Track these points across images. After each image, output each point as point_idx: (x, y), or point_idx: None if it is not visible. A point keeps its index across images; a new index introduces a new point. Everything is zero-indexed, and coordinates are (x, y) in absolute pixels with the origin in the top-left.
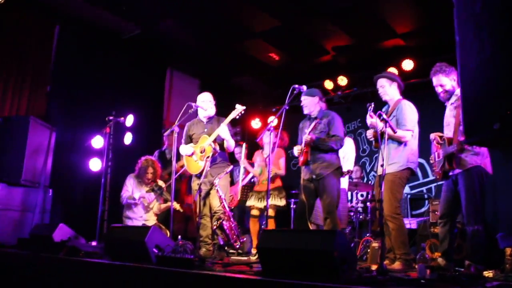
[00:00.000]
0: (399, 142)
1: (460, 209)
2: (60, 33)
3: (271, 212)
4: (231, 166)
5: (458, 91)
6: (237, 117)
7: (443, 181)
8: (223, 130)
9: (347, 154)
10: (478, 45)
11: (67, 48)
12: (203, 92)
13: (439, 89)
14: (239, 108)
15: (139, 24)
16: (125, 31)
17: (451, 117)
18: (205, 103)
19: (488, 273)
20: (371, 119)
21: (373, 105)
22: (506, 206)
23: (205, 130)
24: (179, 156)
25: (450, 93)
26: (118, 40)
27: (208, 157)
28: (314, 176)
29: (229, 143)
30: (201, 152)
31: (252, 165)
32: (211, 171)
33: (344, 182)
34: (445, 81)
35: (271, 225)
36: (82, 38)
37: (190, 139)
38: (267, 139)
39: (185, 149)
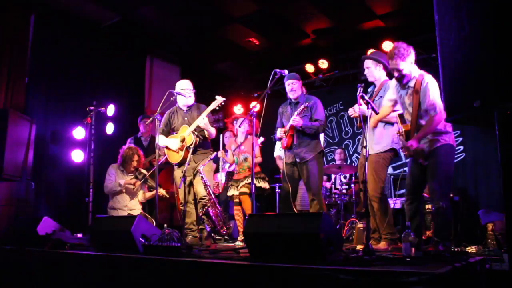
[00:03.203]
0: (387, 122)
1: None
2: (36, 22)
3: (246, 190)
4: (215, 153)
5: (416, 73)
6: (217, 108)
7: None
8: (202, 121)
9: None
10: (457, 23)
11: (44, 37)
12: (182, 80)
13: (395, 73)
14: (219, 99)
15: (118, 12)
16: (104, 18)
17: (409, 100)
18: (185, 91)
19: (471, 249)
20: (360, 106)
21: (361, 91)
22: (487, 183)
23: (185, 119)
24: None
25: (407, 78)
26: (97, 28)
27: (189, 146)
28: (298, 160)
29: (210, 131)
30: (182, 142)
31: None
32: (194, 158)
33: None
34: (403, 65)
35: (247, 201)
36: (59, 26)
37: (170, 128)
38: (242, 127)
39: (165, 142)
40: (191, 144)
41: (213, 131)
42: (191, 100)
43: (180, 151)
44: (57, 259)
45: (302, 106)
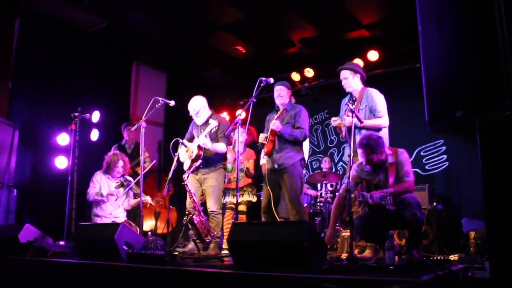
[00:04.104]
0: (377, 130)
1: None
2: (21, 27)
3: (243, 208)
4: (200, 161)
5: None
6: (212, 131)
7: None
8: (201, 141)
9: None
10: (440, 34)
11: (29, 42)
12: (193, 98)
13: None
14: (213, 124)
15: (104, 18)
16: (90, 24)
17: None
18: (195, 111)
19: (453, 257)
20: (348, 118)
21: (349, 105)
22: (470, 191)
23: (201, 131)
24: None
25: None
26: (83, 34)
27: (193, 158)
28: (276, 166)
29: (215, 149)
30: (190, 152)
31: None
32: (201, 171)
33: None
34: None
35: (243, 220)
36: (45, 31)
37: (191, 138)
38: (241, 137)
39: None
40: (193, 156)
41: (216, 147)
42: (199, 120)
43: (187, 159)
44: (39, 267)
45: (282, 108)
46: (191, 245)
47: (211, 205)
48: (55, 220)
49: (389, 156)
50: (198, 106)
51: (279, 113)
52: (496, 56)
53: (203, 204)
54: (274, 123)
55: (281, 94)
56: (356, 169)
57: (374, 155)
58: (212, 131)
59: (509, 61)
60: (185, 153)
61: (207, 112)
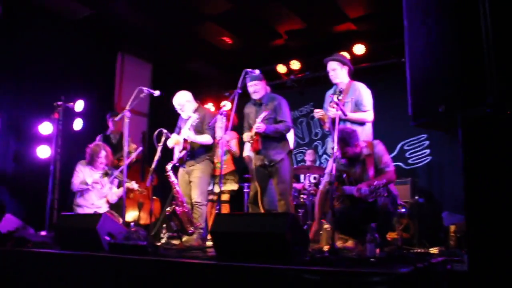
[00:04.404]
0: (360, 123)
1: None
2: (4, 14)
3: (226, 197)
4: (184, 152)
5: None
6: (194, 123)
7: None
8: (186, 135)
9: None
10: (425, 30)
11: (12, 29)
12: (178, 93)
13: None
14: (194, 116)
15: (89, 6)
16: (76, 12)
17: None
18: (180, 106)
19: (433, 250)
20: (332, 110)
21: (334, 97)
22: (452, 186)
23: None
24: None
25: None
26: (68, 22)
27: (180, 150)
28: (267, 163)
29: (197, 141)
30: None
31: None
32: (189, 162)
33: None
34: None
35: (226, 210)
36: (28, 18)
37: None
38: (219, 123)
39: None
40: (180, 148)
41: (201, 139)
42: (184, 114)
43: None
44: (20, 258)
45: (264, 114)
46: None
47: (196, 196)
48: (37, 210)
49: (363, 149)
50: (183, 100)
51: (261, 117)
52: (479, 53)
53: None
54: (258, 127)
55: (256, 90)
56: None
57: (348, 148)
58: (194, 123)
59: (491, 58)
60: (174, 142)
61: (193, 105)
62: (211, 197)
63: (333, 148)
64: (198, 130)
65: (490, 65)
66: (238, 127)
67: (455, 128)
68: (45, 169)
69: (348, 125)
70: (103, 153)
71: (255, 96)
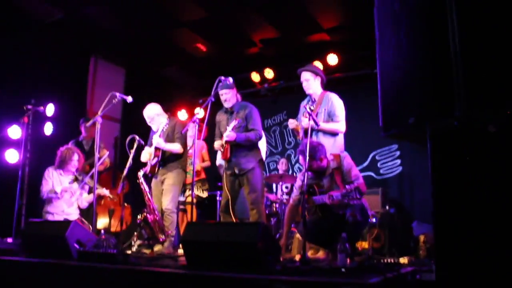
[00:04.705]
0: (333, 134)
1: None
2: None
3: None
4: (155, 159)
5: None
6: (164, 129)
7: None
8: (156, 142)
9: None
10: (396, 41)
11: None
12: (147, 106)
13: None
14: (164, 122)
15: (62, 9)
16: (48, 15)
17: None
18: (150, 119)
19: (403, 260)
20: (305, 119)
21: (307, 108)
22: (422, 196)
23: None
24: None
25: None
26: (40, 24)
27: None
28: (237, 171)
29: (167, 149)
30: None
31: None
32: (161, 171)
33: None
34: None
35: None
36: None
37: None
38: (191, 131)
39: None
40: (151, 158)
41: (171, 147)
42: (154, 127)
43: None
44: None
45: (235, 122)
46: (157, 247)
47: (166, 203)
48: (4, 216)
49: (331, 162)
50: (152, 113)
51: (232, 125)
52: (448, 65)
53: None
54: (228, 136)
55: (226, 99)
56: (301, 178)
57: (313, 161)
58: (165, 129)
59: (459, 71)
60: (147, 157)
61: (162, 118)
62: (182, 206)
63: (305, 158)
64: (169, 138)
65: (458, 78)
66: (208, 137)
67: (425, 139)
68: (13, 174)
69: (321, 135)
70: (75, 157)
71: (226, 105)
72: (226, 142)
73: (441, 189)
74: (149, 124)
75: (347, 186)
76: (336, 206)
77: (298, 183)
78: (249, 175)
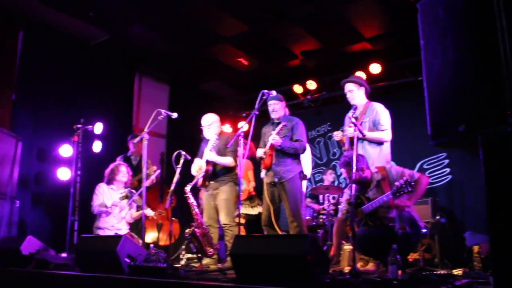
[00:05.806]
0: (379, 143)
1: None
2: (25, 38)
3: (241, 220)
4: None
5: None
6: (215, 144)
7: None
8: (208, 157)
9: (305, 159)
10: (442, 49)
11: (32, 54)
12: (207, 114)
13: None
14: (213, 138)
15: (107, 30)
16: (93, 36)
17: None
18: (209, 123)
19: (457, 271)
20: (350, 129)
21: (351, 118)
22: (473, 205)
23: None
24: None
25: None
26: (86, 46)
27: (201, 174)
28: (276, 180)
29: (220, 162)
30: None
31: None
32: (213, 185)
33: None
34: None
35: (241, 231)
36: (48, 43)
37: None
38: (240, 147)
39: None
40: (202, 172)
41: (223, 161)
42: (208, 135)
43: (196, 174)
44: (41, 279)
45: (281, 125)
46: (206, 260)
47: (223, 218)
48: (58, 232)
49: (374, 174)
50: (211, 120)
51: (278, 128)
52: (498, 71)
53: None
54: (274, 138)
55: (275, 109)
56: (348, 192)
57: (353, 172)
58: (215, 144)
59: (511, 76)
60: (197, 169)
61: (218, 127)
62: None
63: (352, 168)
64: (220, 152)
65: (510, 83)
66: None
67: (476, 147)
68: (65, 191)
69: (366, 144)
70: (123, 168)
71: (274, 115)
72: (270, 147)
73: (496, 198)
74: (205, 129)
75: (396, 183)
76: (385, 214)
77: (345, 196)
78: (288, 184)
